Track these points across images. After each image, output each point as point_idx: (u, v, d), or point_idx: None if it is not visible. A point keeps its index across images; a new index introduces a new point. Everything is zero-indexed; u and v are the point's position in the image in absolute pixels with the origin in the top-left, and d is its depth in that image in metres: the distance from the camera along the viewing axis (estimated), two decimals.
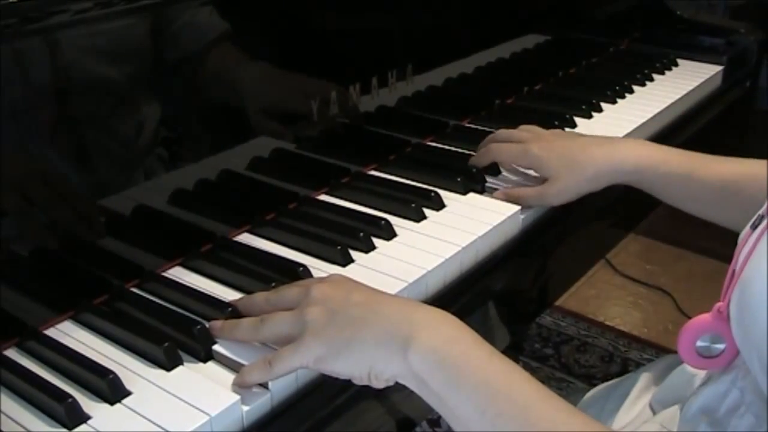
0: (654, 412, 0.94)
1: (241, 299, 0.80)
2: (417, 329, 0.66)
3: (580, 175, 1.00)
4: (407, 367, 0.65)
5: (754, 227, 0.70)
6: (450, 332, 0.67)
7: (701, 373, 0.86)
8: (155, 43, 0.85)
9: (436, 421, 1.83)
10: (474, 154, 1.14)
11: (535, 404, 0.63)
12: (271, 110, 0.98)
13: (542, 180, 1.04)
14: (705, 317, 0.74)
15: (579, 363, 2.13)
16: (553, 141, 1.05)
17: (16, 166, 0.74)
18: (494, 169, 1.11)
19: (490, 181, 1.08)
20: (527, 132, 1.09)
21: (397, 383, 0.68)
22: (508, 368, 0.65)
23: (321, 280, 0.76)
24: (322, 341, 0.68)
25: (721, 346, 0.74)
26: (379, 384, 0.68)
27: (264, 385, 0.70)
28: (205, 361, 0.74)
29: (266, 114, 0.98)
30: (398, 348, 0.66)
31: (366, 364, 0.67)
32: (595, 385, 1.09)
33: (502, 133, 1.11)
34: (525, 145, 1.04)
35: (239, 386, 0.70)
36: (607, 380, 1.08)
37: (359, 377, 0.68)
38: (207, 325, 0.76)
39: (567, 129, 1.27)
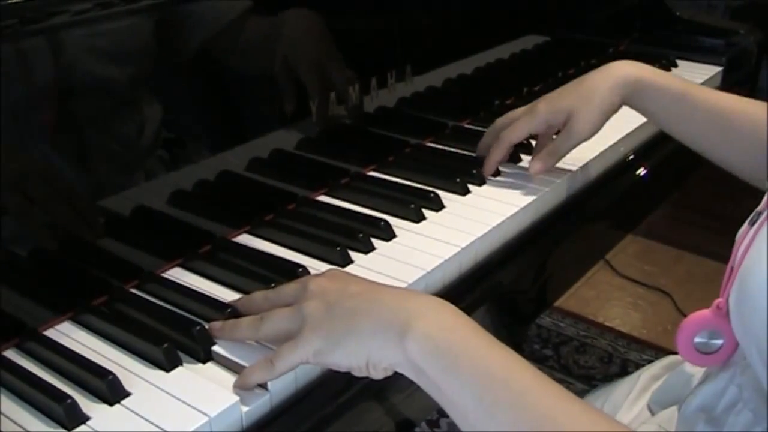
0: (652, 413, 0.94)
1: (240, 299, 0.80)
2: (413, 317, 0.66)
3: (595, 97, 1.02)
4: (404, 355, 0.65)
5: (752, 223, 0.70)
6: (447, 320, 0.67)
7: (699, 374, 0.86)
8: (157, 43, 0.85)
9: (435, 422, 1.83)
10: (474, 155, 1.14)
11: (533, 391, 0.62)
12: (273, 111, 0.98)
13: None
14: (704, 313, 0.74)
15: (578, 364, 2.13)
16: (552, 93, 1.07)
17: (17, 167, 0.74)
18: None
19: (490, 181, 1.08)
20: (522, 108, 1.10)
21: (396, 380, 0.68)
22: (506, 355, 0.65)
23: (318, 274, 0.76)
24: (320, 334, 0.68)
25: (719, 342, 0.74)
26: (377, 374, 0.68)
27: (263, 386, 0.70)
28: (204, 362, 0.74)
29: (267, 114, 0.98)
30: (395, 336, 0.65)
31: (363, 354, 0.67)
32: (594, 386, 1.09)
33: (499, 121, 1.11)
34: (529, 110, 1.06)
35: (241, 387, 0.70)
36: (607, 381, 1.08)
37: (357, 368, 0.68)
38: (206, 326, 0.76)
39: None
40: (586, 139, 1.05)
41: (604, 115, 1.03)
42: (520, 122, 1.06)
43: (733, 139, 0.94)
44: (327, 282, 0.72)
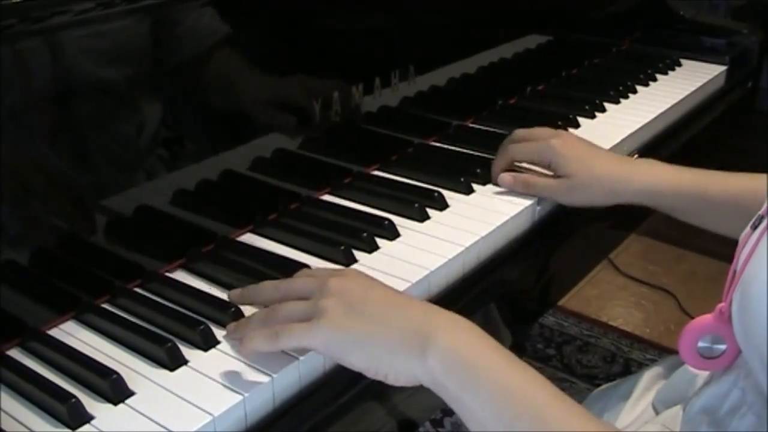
0: (656, 413, 0.94)
1: (248, 287, 0.79)
2: (436, 331, 0.66)
3: (597, 186, 1.01)
4: (426, 369, 0.66)
5: (755, 227, 0.70)
6: (468, 336, 0.68)
7: (704, 374, 0.86)
8: (158, 43, 0.84)
9: (439, 421, 1.83)
10: (478, 153, 1.14)
11: (552, 410, 0.63)
12: (274, 110, 0.98)
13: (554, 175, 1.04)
14: (707, 318, 0.74)
15: (581, 363, 2.13)
16: (574, 141, 1.05)
17: (18, 167, 0.74)
18: None
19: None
20: (544, 131, 1.08)
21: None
22: (526, 373, 0.66)
23: (337, 273, 0.76)
24: (337, 329, 0.68)
25: (722, 347, 0.74)
26: (398, 384, 0.68)
27: (267, 385, 0.70)
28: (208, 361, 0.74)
29: (269, 114, 0.98)
30: (417, 350, 0.66)
31: (385, 364, 0.67)
32: (597, 386, 1.09)
33: (519, 132, 1.09)
34: (546, 140, 1.03)
35: (241, 352, 0.71)
36: (610, 381, 1.08)
37: (374, 373, 0.68)
38: (210, 325, 0.76)
39: (570, 129, 1.27)
40: (561, 203, 1.04)
41: (592, 204, 1.03)
42: (530, 147, 1.05)
43: None
44: (348, 283, 0.72)
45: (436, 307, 0.72)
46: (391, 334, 0.67)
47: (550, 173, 1.04)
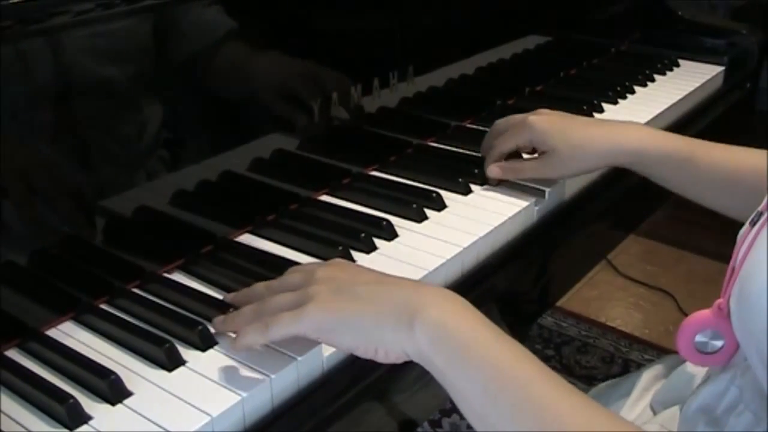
0: (654, 413, 0.94)
1: (241, 290, 0.80)
2: (424, 305, 0.66)
3: (580, 153, 1.00)
4: (413, 342, 0.65)
5: (753, 223, 0.70)
6: (457, 309, 0.68)
7: (701, 373, 0.86)
8: (158, 43, 0.85)
9: (437, 421, 1.83)
10: (476, 154, 1.14)
11: (537, 383, 0.63)
12: (273, 110, 0.98)
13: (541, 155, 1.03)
14: (705, 313, 0.74)
15: (580, 364, 2.13)
16: (553, 115, 1.04)
17: (18, 167, 0.74)
18: None
19: (492, 181, 1.08)
20: (520, 115, 1.07)
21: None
22: (512, 347, 0.66)
23: (323, 263, 0.76)
24: (327, 312, 0.68)
25: (719, 343, 0.74)
26: (387, 360, 0.68)
27: (265, 386, 0.70)
28: (206, 361, 0.74)
29: (267, 114, 0.98)
30: (406, 323, 0.66)
31: (374, 339, 0.67)
32: (595, 386, 1.09)
33: (498, 124, 1.09)
34: (524, 117, 1.03)
35: (234, 350, 0.71)
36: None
37: (364, 350, 0.68)
38: (208, 326, 0.76)
39: None
40: (550, 179, 1.04)
41: (581, 171, 1.04)
42: (510, 134, 1.05)
43: (745, 197, 0.88)
44: (335, 270, 0.73)
45: (426, 284, 0.72)
46: (379, 310, 0.67)
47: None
